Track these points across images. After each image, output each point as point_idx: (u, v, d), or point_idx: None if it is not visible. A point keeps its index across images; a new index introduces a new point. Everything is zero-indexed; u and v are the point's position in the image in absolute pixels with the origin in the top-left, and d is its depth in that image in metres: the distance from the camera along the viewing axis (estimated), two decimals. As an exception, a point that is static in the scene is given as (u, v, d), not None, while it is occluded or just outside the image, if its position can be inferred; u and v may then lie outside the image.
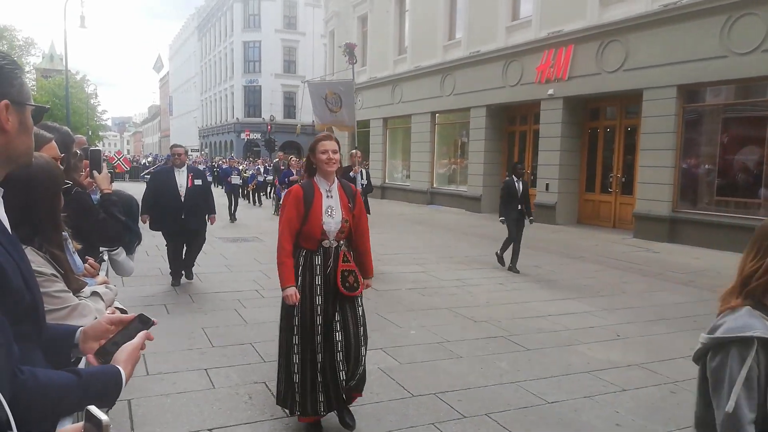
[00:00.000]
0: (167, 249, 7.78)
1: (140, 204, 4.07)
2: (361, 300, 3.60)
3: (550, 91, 15.05)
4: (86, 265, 2.48)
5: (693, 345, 5.52)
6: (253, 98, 47.91)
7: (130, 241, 3.44)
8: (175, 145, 7.96)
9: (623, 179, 14.39)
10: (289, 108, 47.57)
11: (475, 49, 18.09)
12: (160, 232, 7.76)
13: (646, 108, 12.68)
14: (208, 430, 3.59)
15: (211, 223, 8.02)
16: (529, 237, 10.26)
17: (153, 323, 1.49)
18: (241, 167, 24.14)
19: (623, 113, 14.47)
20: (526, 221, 9.41)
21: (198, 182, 7.62)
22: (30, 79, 41.72)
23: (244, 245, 11.35)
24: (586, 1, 13.95)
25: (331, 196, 3.52)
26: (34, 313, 1.33)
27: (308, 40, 46.56)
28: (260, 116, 45.43)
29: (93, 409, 0.92)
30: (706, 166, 12.19)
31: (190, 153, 41.46)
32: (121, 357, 1.39)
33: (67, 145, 2.63)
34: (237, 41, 48.10)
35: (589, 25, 13.81)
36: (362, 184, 9.05)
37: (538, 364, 4.92)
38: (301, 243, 3.51)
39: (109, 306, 2.27)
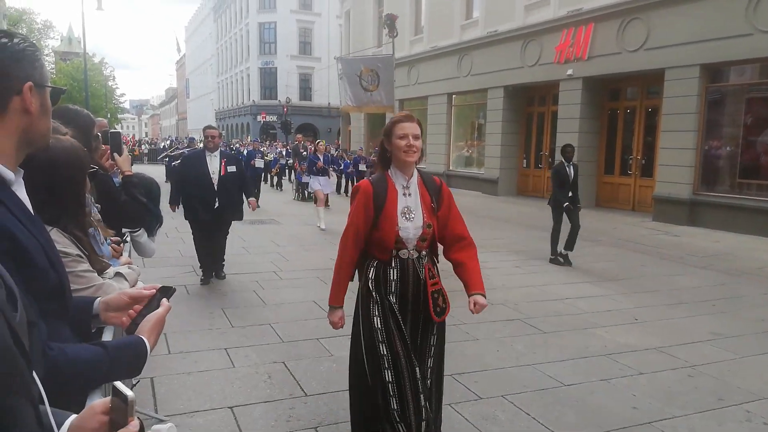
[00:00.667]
0: (195, 242, 7.01)
1: (169, 189, 4.10)
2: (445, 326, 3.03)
3: (570, 71, 14.81)
4: (110, 247, 2.53)
5: (711, 329, 5.50)
6: (269, 80, 47.88)
7: (151, 223, 3.49)
8: (208, 127, 6.97)
9: (643, 161, 14.19)
10: (305, 90, 47.49)
11: (492, 29, 17.83)
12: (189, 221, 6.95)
13: (668, 88, 12.43)
14: (229, 407, 3.67)
15: (252, 209, 7.38)
16: (547, 220, 10.21)
17: (173, 290, 1.57)
18: (263, 149, 23.97)
19: (644, 94, 14.21)
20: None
21: (232, 169, 6.72)
22: (49, 62, 42.11)
23: (262, 228, 11.43)
24: (608, -21, 13.64)
25: (409, 194, 2.81)
26: (60, 291, 1.37)
27: (324, 21, 46.27)
28: (276, 98, 45.43)
29: (119, 384, 0.94)
30: (729, 147, 11.96)
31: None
32: (146, 327, 1.44)
33: (88, 128, 2.66)
34: (252, 23, 47.94)
35: (610, 3, 13.51)
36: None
37: (555, 347, 4.93)
38: (371, 251, 2.83)
39: (133, 286, 2.32)
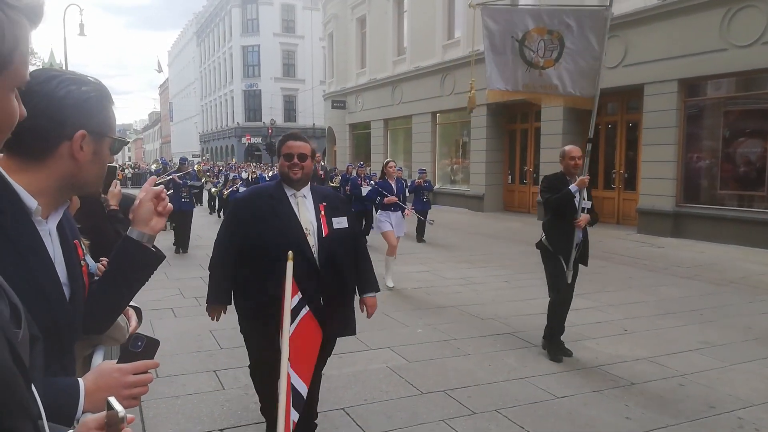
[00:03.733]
0: (254, 372, 3.39)
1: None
2: None
3: (551, 89, 15.01)
4: (99, 264, 2.50)
5: (700, 338, 5.54)
6: (253, 102, 48.01)
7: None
8: (290, 137, 3.18)
9: (626, 175, 14.38)
10: (290, 111, 47.67)
11: (473, 48, 18.07)
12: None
13: (648, 103, 12.67)
14: (220, 430, 3.60)
15: (370, 314, 3.40)
16: (534, 235, 10.26)
17: (155, 344, 1.36)
18: (271, 173, 23.38)
19: (624, 109, 14.46)
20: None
21: (340, 223, 3.15)
22: (31, 88, 41.66)
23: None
24: (585, -2, 13.93)
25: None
26: (54, 332, 1.30)
27: (307, 44, 46.66)
28: (261, 120, 45.51)
29: (112, 400, 0.93)
30: (709, 160, 12.18)
31: (191, 159, 41.10)
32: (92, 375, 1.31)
33: None
34: (236, 46, 48.20)
35: (588, 22, 13.77)
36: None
37: (546, 360, 4.92)
38: None
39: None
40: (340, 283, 3.10)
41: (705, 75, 11.62)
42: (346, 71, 27.20)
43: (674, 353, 5.08)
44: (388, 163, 9.23)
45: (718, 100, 12.05)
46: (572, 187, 5.09)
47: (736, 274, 8.53)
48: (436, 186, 21.10)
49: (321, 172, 15.97)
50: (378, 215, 8.55)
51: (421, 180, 12.60)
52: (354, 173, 14.10)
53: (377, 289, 3.35)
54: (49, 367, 1.30)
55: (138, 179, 34.39)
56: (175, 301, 7.02)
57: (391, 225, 8.17)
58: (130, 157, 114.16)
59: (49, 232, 1.33)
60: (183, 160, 13.29)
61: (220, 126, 54.78)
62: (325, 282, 3.00)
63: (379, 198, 8.44)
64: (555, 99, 6.10)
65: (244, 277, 3.05)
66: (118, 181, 3.55)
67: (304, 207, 3.07)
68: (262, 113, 46.45)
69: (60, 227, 1.38)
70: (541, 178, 5.72)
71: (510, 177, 18.40)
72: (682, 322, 6.06)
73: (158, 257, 1.52)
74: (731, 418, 3.83)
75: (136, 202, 1.50)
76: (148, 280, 1.55)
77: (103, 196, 3.29)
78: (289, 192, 3.07)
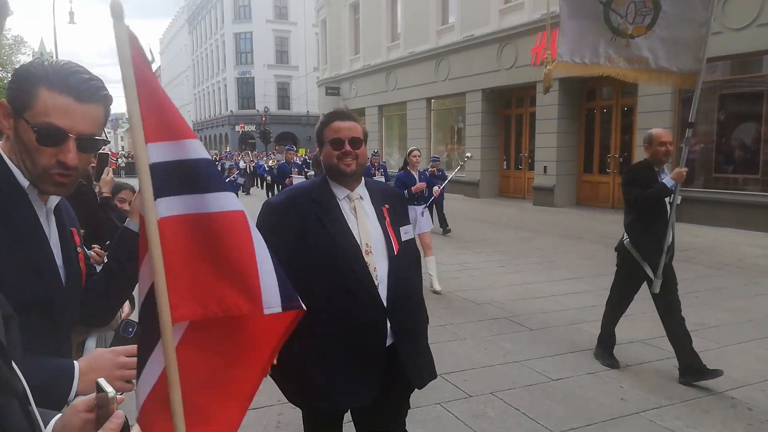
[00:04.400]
0: None
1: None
2: None
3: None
4: (92, 252, 2.49)
5: (695, 320, 5.54)
6: (246, 90, 47.67)
7: None
8: (337, 115, 2.31)
9: (621, 159, 14.37)
10: (283, 99, 47.37)
11: (468, 33, 17.98)
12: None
13: (643, 87, 12.61)
14: None
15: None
16: (529, 220, 10.28)
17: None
18: (271, 162, 21.88)
19: (620, 93, 14.42)
20: None
21: (407, 233, 2.28)
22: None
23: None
24: (580, -19, 13.84)
25: None
26: (46, 307, 1.31)
27: (300, 30, 46.25)
28: (254, 108, 45.24)
29: (102, 381, 0.92)
30: (704, 143, 12.18)
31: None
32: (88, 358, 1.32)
33: None
34: (228, 33, 47.75)
35: (583, 5, 13.69)
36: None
37: (542, 344, 4.94)
38: None
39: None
40: (415, 315, 2.25)
41: (700, 58, 11.57)
42: (339, 58, 27.00)
43: (669, 335, 5.10)
44: (411, 152, 7.88)
45: (714, 83, 12.01)
46: (667, 180, 4.24)
47: (731, 257, 8.57)
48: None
49: None
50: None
51: (434, 169, 11.36)
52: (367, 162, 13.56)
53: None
54: (41, 346, 1.30)
55: (131, 168, 34.19)
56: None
57: (414, 222, 6.75)
58: (123, 147, 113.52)
59: (46, 213, 1.33)
60: None
61: (213, 114, 54.44)
62: (397, 319, 2.11)
63: (406, 192, 7.18)
64: (643, 75, 4.86)
65: None
66: (110, 169, 3.52)
67: (363, 213, 2.17)
68: (255, 101, 46.17)
69: (57, 212, 1.38)
70: (623, 169, 4.74)
71: (505, 163, 18.38)
72: (676, 305, 6.08)
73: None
74: (725, 398, 3.86)
75: (135, 195, 1.51)
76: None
77: (95, 183, 3.27)
78: (340, 193, 2.18)
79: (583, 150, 15.42)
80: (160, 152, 1.13)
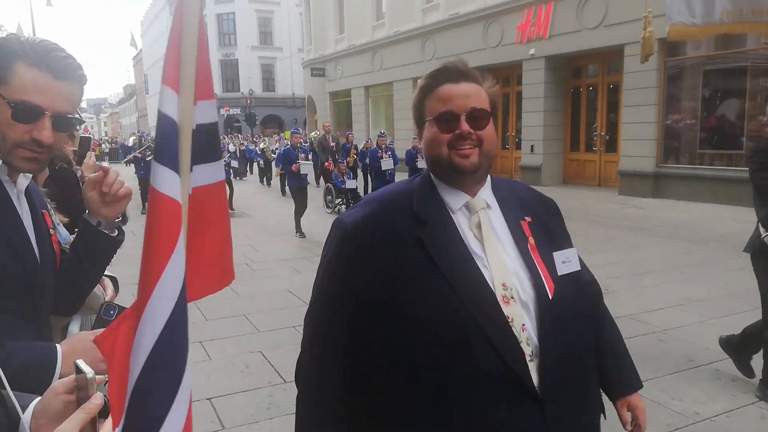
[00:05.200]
0: None
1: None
2: None
3: (532, 51, 14.92)
4: (72, 237, 2.45)
5: (680, 295, 5.61)
6: (230, 72, 47.02)
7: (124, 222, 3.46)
8: (447, 72, 1.47)
9: (607, 137, 14.43)
10: (268, 81, 46.83)
11: (454, 11, 17.82)
12: None
13: (628, 64, 12.63)
14: (208, 399, 3.61)
15: None
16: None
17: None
18: (262, 145, 20.34)
19: (605, 70, 14.41)
20: None
21: (567, 261, 1.45)
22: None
23: (231, 221, 11.28)
24: (565, -43, 13.74)
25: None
26: (24, 288, 1.29)
27: (283, 10, 45.59)
28: (239, 91, 44.70)
29: (80, 362, 0.91)
30: (689, 120, 12.24)
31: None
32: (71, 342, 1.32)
33: None
34: (210, 14, 46.87)
35: (569, -18, 13.62)
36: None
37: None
38: None
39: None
40: (582, 388, 1.32)
41: (685, 34, 11.58)
42: (324, 38, 26.69)
43: (655, 310, 5.18)
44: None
45: (698, 59, 12.05)
46: None
47: (715, 233, 8.67)
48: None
49: (332, 144, 13.55)
50: None
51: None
52: (374, 144, 12.12)
53: (641, 383, 1.52)
54: (22, 329, 1.29)
55: (115, 154, 33.76)
56: (158, 274, 6.96)
57: None
58: (106, 132, 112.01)
59: (17, 195, 1.31)
60: None
61: (197, 97, 53.75)
62: (556, 415, 1.21)
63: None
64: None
65: (369, 420, 1.31)
66: (93, 153, 3.47)
67: (492, 235, 1.31)
68: (239, 83, 45.59)
69: (28, 194, 1.36)
70: (748, 150, 3.71)
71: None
72: (662, 281, 6.17)
73: (113, 241, 1.49)
74: (709, 369, 3.93)
75: (89, 154, 1.49)
76: (108, 263, 1.53)
77: (77, 167, 3.22)
78: (453, 201, 1.34)
79: (569, 128, 15.45)
80: (203, 112, 0.96)
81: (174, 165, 0.87)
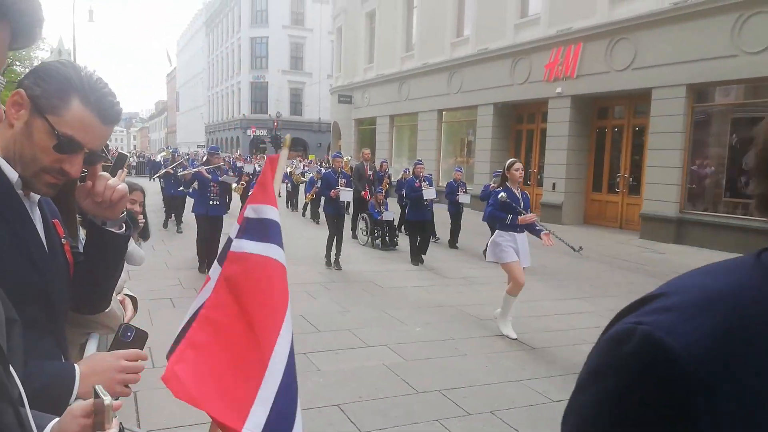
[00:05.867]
0: None
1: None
2: None
3: (559, 90, 14.98)
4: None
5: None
6: (259, 94, 47.97)
7: (141, 233, 3.54)
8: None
9: (631, 179, 14.32)
10: (296, 104, 47.62)
11: (483, 47, 18.03)
12: None
13: (655, 107, 12.60)
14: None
15: None
16: (536, 237, 10.23)
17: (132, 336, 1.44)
18: (289, 169, 18.02)
19: (632, 112, 14.39)
20: None
21: None
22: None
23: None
24: None
25: None
26: (43, 297, 1.32)
27: (315, 37, 46.56)
28: (267, 113, 45.51)
29: (99, 388, 0.94)
30: (715, 167, 12.11)
31: (196, 149, 41.27)
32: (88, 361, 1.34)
33: None
34: (244, 37, 48.13)
35: (598, 23, 13.72)
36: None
37: (544, 363, 4.91)
38: None
39: (119, 293, 2.29)
40: None
41: (714, 81, 11.55)
42: (353, 66, 27.14)
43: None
44: (513, 164, 5.93)
45: (727, 106, 11.97)
46: None
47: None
48: (440, 184, 21.09)
49: (370, 173, 12.42)
50: (497, 237, 5.83)
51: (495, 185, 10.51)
52: (410, 173, 11.63)
53: None
54: (41, 340, 1.31)
55: (142, 168, 34.43)
56: (174, 291, 7.02)
57: (517, 253, 5.81)
58: (135, 146, 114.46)
59: (30, 206, 1.35)
60: (214, 150, 9.27)
61: (226, 117, 54.79)
62: None
63: (511, 216, 5.70)
64: None
65: None
66: (125, 171, 3.55)
67: None
68: (268, 105, 46.44)
69: (39, 204, 1.39)
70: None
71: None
72: (681, 329, 6.03)
73: (120, 237, 1.52)
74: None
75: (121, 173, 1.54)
76: (122, 259, 1.58)
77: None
78: None
79: (592, 168, 15.38)
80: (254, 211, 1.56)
81: (280, 243, 1.52)
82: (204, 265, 8.14)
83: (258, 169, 14.96)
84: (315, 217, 15.21)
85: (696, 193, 12.36)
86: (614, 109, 15.12)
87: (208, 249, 8.04)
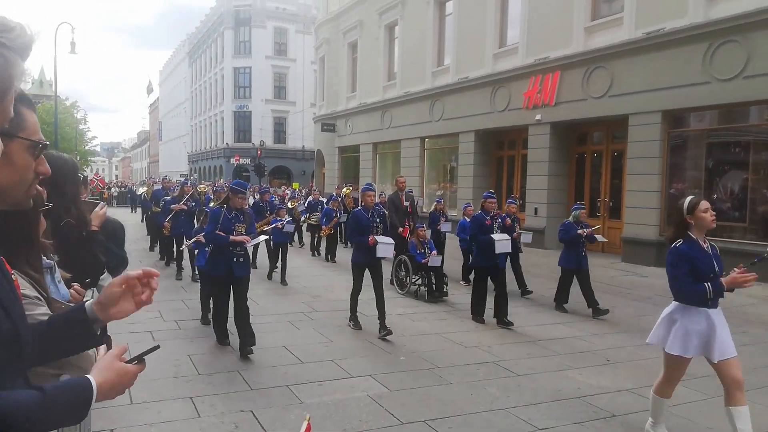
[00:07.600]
0: None
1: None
2: None
3: (538, 117, 15.23)
4: (71, 290, 2.45)
5: (682, 369, 5.39)
6: (243, 123, 48.07)
7: (116, 266, 3.42)
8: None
9: (611, 203, 14.51)
10: (279, 133, 47.75)
11: (463, 76, 18.33)
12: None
13: (632, 133, 12.86)
14: (193, 461, 3.51)
15: None
16: (525, 261, 10.29)
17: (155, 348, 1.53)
18: (290, 204, 15.10)
19: (610, 138, 14.65)
20: None
21: None
22: (19, 105, 41.43)
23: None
24: (572, 29, 14.23)
25: None
26: (14, 339, 1.29)
27: (298, 66, 46.99)
28: (250, 141, 45.54)
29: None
30: (692, 190, 12.33)
31: (179, 177, 41.06)
32: (98, 365, 1.38)
33: (67, 174, 2.66)
34: (227, 67, 48.42)
35: (575, 52, 14.06)
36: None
37: (529, 390, 4.88)
38: None
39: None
40: None
41: (688, 107, 11.84)
42: (336, 95, 27.39)
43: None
44: (697, 204, 4.22)
45: (701, 131, 12.26)
46: None
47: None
48: (424, 210, 21.14)
49: (406, 203, 10.55)
50: (685, 319, 4.25)
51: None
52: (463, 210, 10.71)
53: None
54: (15, 383, 1.29)
55: (123, 198, 34.10)
56: (154, 324, 6.90)
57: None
58: (117, 175, 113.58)
59: None
60: (241, 187, 6.09)
61: (209, 146, 54.71)
62: None
63: (711, 286, 3.98)
64: None
65: None
66: (105, 204, 3.49)
67: None
68: (251, 134, 46.49)
69: None
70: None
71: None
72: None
73: (95, 341, 1.54)
74: (712, 452, 3.80)
75: (108, 284, 1.55)
76: (77, 353, 1.59)
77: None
78: None
79: (573, 193, 15.56)
80: None
81: None
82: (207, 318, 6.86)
83: (257, 198, 12.34)
84: (332, 255, 12.88)
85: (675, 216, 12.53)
86: (593, 135, 15.40)
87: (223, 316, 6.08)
